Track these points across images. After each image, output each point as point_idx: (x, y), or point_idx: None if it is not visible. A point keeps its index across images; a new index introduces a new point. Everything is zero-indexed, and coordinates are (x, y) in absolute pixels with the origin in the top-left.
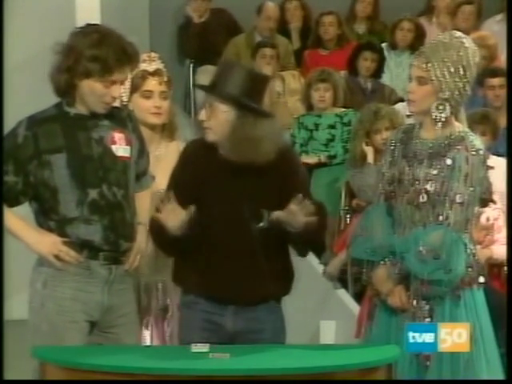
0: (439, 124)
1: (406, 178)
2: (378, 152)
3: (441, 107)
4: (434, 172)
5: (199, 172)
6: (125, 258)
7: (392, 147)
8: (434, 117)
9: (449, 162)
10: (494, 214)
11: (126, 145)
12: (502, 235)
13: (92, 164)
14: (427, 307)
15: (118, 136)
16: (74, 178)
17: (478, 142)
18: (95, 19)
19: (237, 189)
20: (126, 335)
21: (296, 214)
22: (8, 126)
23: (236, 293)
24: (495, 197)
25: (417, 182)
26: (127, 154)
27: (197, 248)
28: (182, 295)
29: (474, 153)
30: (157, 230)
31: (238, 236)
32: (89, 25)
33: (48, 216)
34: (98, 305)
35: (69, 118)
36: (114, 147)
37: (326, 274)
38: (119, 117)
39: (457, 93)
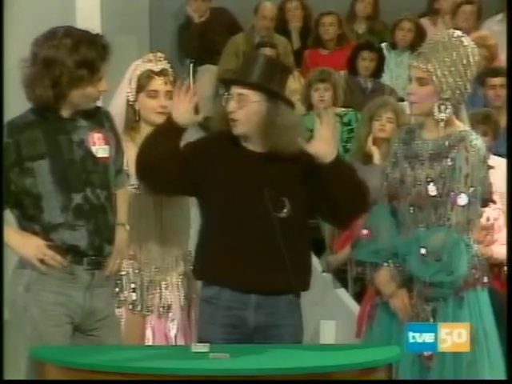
0: (442, 124)
1: (408, 180)
2: (376, 142)
3: (442, 107)
4: (435, 173)
5: (213, 160)
6: (106, 263)
7: (395, 148)
8: (436, 117)
9: (449, 162)
10: (494, 214)
11: (105, 144)
12: (502, 235)
13: (75, 168)
14: (430, 308)
15: (97, 136)
16: (58, 184)
17: (478, 141)
18: (95, 19)
19: (259, 179)
20: (109, 337)
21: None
22: None
23: (259, 280)
24: (495, 197)
25: (418, 183)
26: (106, 154)
27: (219, 238)
28: (202, 290)
29: (473, 153)
30: (151, 141)
31: (260, 225)
32: (51, 32)
33: (31, 222)
34: (79, 308)
35: (49, 123)
36: (94, 148)
37: (325, 262)
38: (96, 116)
39: (458, 92)
